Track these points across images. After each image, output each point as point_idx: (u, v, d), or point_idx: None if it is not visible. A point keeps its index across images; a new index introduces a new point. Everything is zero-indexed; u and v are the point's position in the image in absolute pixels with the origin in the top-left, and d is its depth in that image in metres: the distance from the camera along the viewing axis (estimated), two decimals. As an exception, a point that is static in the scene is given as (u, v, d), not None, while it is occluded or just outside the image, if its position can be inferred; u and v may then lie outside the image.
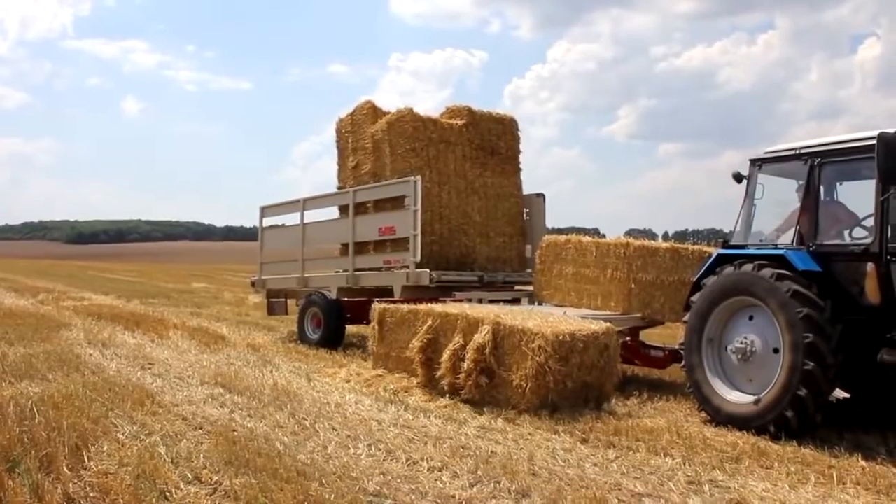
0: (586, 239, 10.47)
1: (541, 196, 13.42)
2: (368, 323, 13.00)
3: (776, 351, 6.98)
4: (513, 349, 7.90)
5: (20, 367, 9.36)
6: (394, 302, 10.81)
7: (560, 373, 7.68)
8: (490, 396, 7.99)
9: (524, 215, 13.24)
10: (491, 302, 10.71)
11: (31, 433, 6.11)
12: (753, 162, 8.02)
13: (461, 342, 8.29)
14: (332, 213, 13.68)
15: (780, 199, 7.94)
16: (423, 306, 9.28)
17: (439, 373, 8.40)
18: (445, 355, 8.35)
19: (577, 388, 7.90)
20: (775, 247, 7.57)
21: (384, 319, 9.69)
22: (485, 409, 7.74)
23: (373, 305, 10.11)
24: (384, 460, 5.88)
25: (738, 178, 8.11)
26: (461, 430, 6.94)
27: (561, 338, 7.76)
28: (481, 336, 8.08)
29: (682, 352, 7.96)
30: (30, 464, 5.37)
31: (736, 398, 7.31)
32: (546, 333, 7.71)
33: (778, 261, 7.12)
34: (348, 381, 9.31)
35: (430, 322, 8.84)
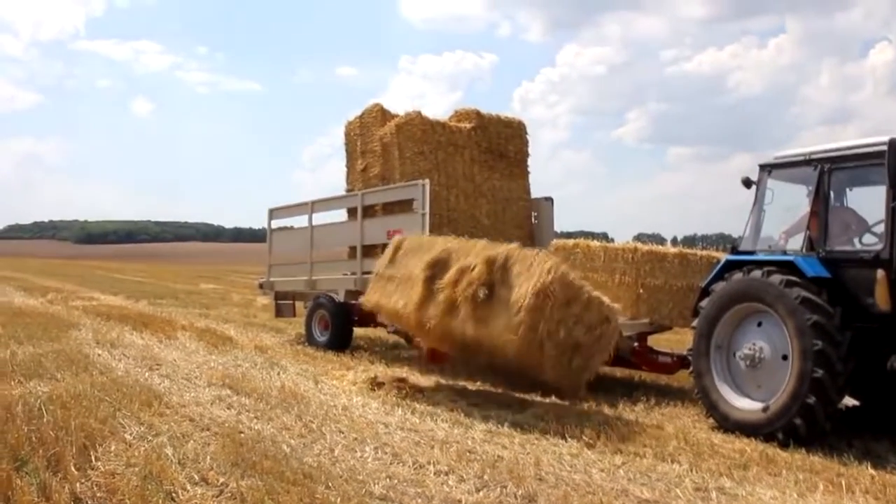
0: (594, 243, 10.44)
1: (549, 200, 13.41)
2: (376, 326, 13.12)
3: (785, 358, 6.94)
4: (521, 272, 7.84)
5: (29, 367, 9.41)
6: None
7: (558, 311, 7.62)
8: (480, 319, 7.92)
9: (532, 219, 13.23)
10: None
11: (40, 432, 6.14)
12: (763, 167, 7.99)
13: (473, 262, 8.23)
14: (341, 215, 13.70)
15: (789, 205, 7.90)
16: (443, 237, 9.29)
17: (440, 284, 8.35)
18: (453, 269, 8.33)
19: (567, 344, 7.79)
20: (784, 253, 7.53)
21: (401, 246, 9.59)
22: (492, 414, 7.73)
23: (392, 236, 9.97)
24: (391, 464, 5.88)
25: (747, 183, 8.08)
26: (468, 434, 6.94)
27: (571, 277, 7.75)
28: (495, 252, 8.08)
29: (690, 357, 7.93)
30: (37, 463, 5.41)
31: (744, 405, 7.27)
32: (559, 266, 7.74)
33: (787, 267, 7.09)
34: (355, 384, 9.31)
35: (448, 245, 8.80)
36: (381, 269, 9.65)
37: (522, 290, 7.69)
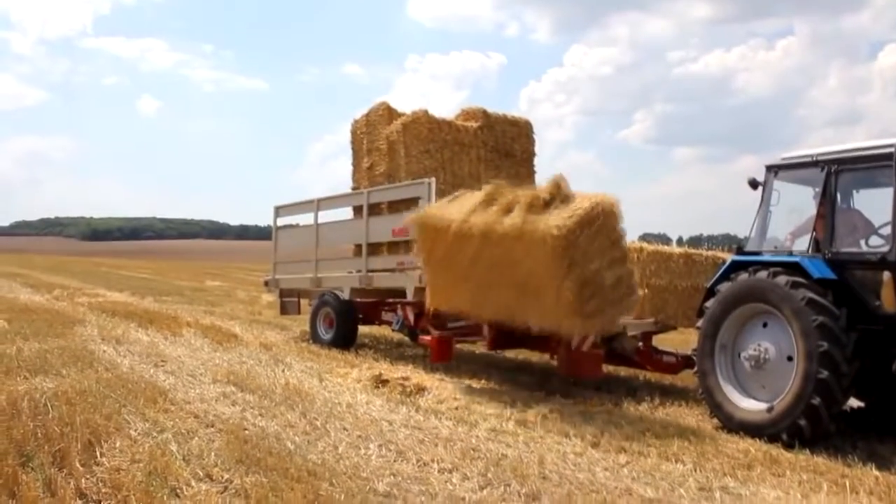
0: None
1: (555, 199, 13.38)
2: (380, 324, 13.13)
3: (790, 359, 6.94)
4: (583, 198, 8.03)
5: (35, 363, 9.44)
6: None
7: (599, 241, 7.84)
8: (529, 219, 8.05)
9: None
10: None
11: (45, 428, 6.17)
12: (769, 168, 7.97)
13: (530, 193, 8.45)
14: (347, 213, 13.69)
15: (795, 206, 7.89)
16: None
17: (497, 203, 8.57)
18: (510, 195, 8.58)
19: (594, 280, 7.88)
20: (790, 254, 7.52)
21: (464, 193, 9.79)
22: (495, 412, 7.74)
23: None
24: (394, 461, 5.89)
25: (753, 184, 8.06)
26: (472, 432, 6.94)
27: (621, 225, 8.09)
28: (555, 185, 8.27)
29: (694, 357, 7.93)
30: (43, 459, 5.44)
31: (749, 405, 7.27)
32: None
33: (793, 268, 7.08)
34: (359, 382, 9.32)
35: (505, 190, 8.95)
36: (442, 203, 9.85)
37: (579, 203, 7.91)
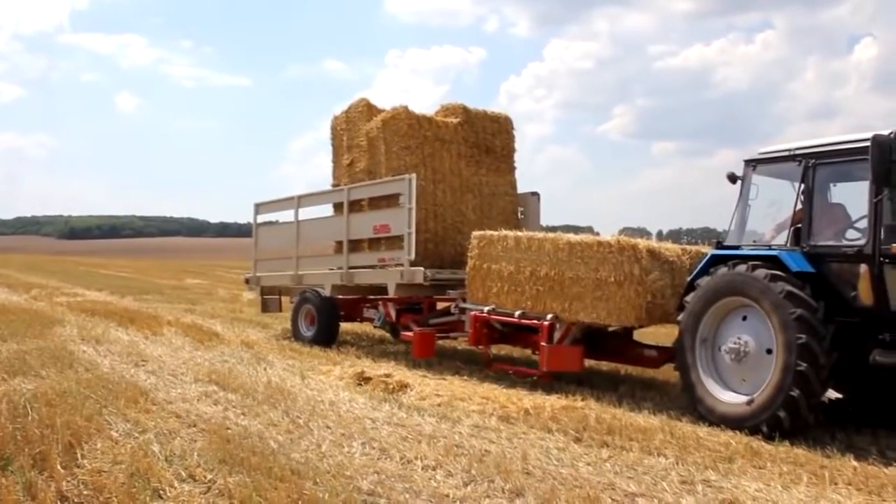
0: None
1: (535, 195, 13.43)
2: (362, 321, 13.11)
3: (769, 351, 7.00)
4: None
5: (13, 364, 9.33)
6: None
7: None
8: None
9: (519, 214, 13.24)
10: None
11: (25, 431, 6.10)
12: (748, 163, 8.04)
13: None
14: (327, 210, 13.68)
15: (774, 200, 7.96)
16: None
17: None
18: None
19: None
20: (769, 247, 7.59)
21: None
22: (478, 408, 7.75)
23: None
24: (378, 459, 5.89)
25: (732, 178, 8.13)
26: (455, 429, 6.95)
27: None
28: None
29: (675, 351, 7.98)
30: (23, 462, 5.37)
31: (729, 398, 7.33)
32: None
33: (772, 261, 7.15)
34: (342, 379, 9.31)
35: None
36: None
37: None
